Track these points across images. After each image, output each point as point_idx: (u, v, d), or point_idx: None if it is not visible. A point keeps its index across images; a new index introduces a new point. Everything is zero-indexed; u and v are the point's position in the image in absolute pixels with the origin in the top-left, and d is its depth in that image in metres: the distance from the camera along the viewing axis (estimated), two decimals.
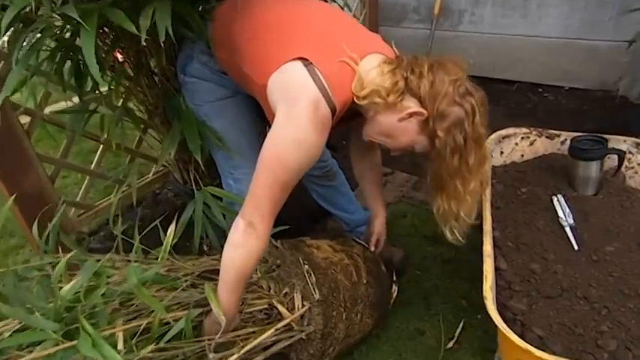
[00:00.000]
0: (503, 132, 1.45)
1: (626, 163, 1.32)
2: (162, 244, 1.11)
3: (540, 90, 2.77)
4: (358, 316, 1.25)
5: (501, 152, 1.45)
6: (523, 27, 2.64)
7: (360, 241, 1.48)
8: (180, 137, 1.23)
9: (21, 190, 1.37)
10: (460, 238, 1.03)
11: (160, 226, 1.17)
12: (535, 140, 1.45)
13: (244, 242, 0.92)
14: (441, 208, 0.98)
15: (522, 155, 1.45)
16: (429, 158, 0.94)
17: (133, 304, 0.92)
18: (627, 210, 1.14)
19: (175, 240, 1.19)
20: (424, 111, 0.88)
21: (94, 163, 1.66)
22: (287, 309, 1.13)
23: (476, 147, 0.91)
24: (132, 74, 1.27)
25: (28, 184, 1.41)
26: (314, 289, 1.16)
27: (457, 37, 2.89)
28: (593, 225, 1.12)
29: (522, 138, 1.46)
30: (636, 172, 1.33)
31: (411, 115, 0.89)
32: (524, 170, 1.36)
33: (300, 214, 1.94)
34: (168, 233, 1.09)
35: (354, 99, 0.92)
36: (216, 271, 0.97)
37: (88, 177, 1.65)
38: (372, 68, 0.92)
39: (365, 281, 1.31)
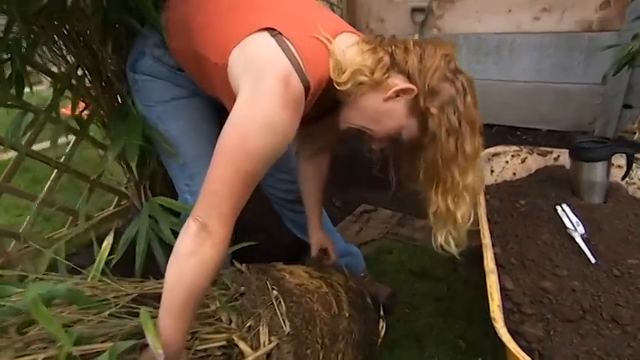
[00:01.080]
0: (492, 149, 1.31)
1: (626, 178, 1.17)
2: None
3: (519, 133, 2.72)
4: (339, 357, 0.99)
5: (492, 171, 1.30)
6: (497, 72, 2.64)
7: (341, 270, 1.26)
8: (118, 150, 1.03)
9: None
10: (455, 250, 0.84)
11: None
12: (526, 158, 1.31)
13: (196, 250, 0.69)
14: (438, 208, 0.82)
15: (514, 174, 1.30)
16: (422, 146, 0.78)
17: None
18: None
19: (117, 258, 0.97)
20: (413, 87, 0.73)
21: (44, 191, 1.44)
22: (250, 346, 0.88)
23: (471, 131, 0.77)
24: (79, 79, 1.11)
25: None
26: (284, 320, 0.92)
27: None
28: (609, 235, 0.94)
29: (513, 156, 1.31)
30: (639, 188, 1.18)
31: (398, 93, 0.74)
32: (520, 185, 1.20)
33: (274, 250, 1.71)
34: (102, 247, 0.86)
35: (335, 85, 0.77)
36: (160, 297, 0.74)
37: (35, 205, 1.42)
38: (347, 47, 0.77)
39: (347, 314, 1.07)
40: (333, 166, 2.43)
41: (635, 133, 1.82)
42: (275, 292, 0.95)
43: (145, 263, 1.05)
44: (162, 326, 0.70)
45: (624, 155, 1.09)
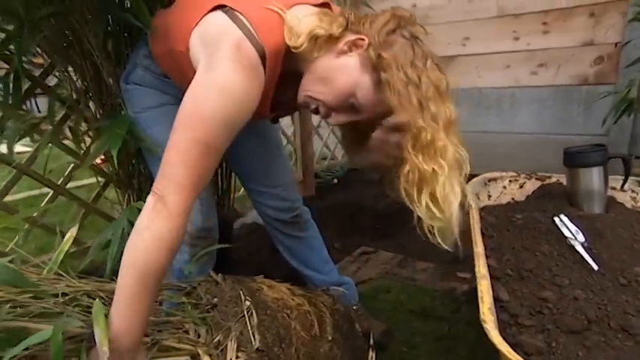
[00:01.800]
0: (487, 175, 1.27)
1: (632, 202, 1.10)
2: None
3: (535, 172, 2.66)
4: None
5: (489, 196, 1.25)
6: (499, 124, 2.66)
7: (331, 293, 1.16)
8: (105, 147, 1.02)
9: None
10: (440, 241, 0.76)
11: None
12: (525, 183, 1.26)
13: (151, 223, 0.65)
14: (410, 169, 0.72)
15: (513, 199, 1.24)
16: (382, 113, 0.74)
17: None
18: None
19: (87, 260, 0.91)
20: (364, 37, 0.73)
21: (36, 212, 1.42)
22: None
23: (437, 93, 0.72)
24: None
25: None
26: (253, 334, 0.82)
27: None
28: (612, 243, 0.86)
29: (510, 181, 1.26)
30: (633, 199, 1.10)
31: (350, 45, 0.74)
32: (517, 203, 1.13)
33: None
34: (65, 239, 0.80)
35: (293, 50, 0.75)
36: None
37: (26, 225, 1.40)
38: (304, 16, 0.77)
39: (330, 337, 0.96)
40: (336, 213, 2.42)
41: None
42: (248, 303, 0.86)
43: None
44: (114, 311, 0.64)
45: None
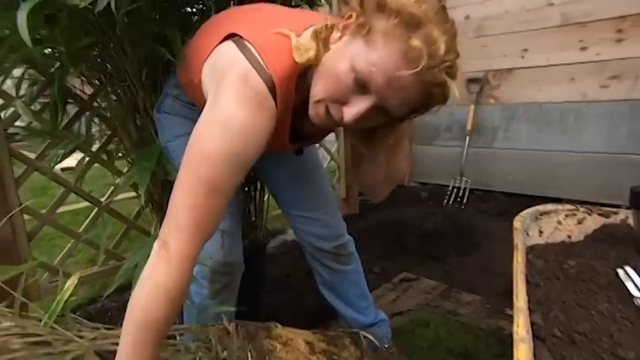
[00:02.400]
0: (540, 207, 1.11)
1: None
2: None
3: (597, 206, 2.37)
4: None
5: (540, 231, 1.08)
6: (562, 142, 2.40)
7: (360, 341, 1.07)
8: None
9: None
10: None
11: None
12: (585, 218, 1.08)
13: (152, 271, 0.63)
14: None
15: (569, 236, 1.07)
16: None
17: None
18: None
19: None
20: (351, 13, 0.65)
21: (83, 226, 1.48)
22: None
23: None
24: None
25: None
26: None
27: (492, 153, 2.69)
28: None
29: (567, 215, 1.09)
30: None
31: (342, 29, 0.67)
32: (572, 244, 0.97)
33: (298, 311, 1.56)
34: (64, 289, 0.77)
35: (302, 67, 0.70)
36: None
37: (72, 240, 1.46)
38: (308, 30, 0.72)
39: None
40: (380, 232, 2.31)
41: None
42: None
43: None
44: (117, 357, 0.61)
45: None
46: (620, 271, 0.79)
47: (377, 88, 0.63)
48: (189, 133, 1.01)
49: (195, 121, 0.99)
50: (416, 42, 0.59)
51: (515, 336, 0.67)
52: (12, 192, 1.27)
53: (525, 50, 2.44)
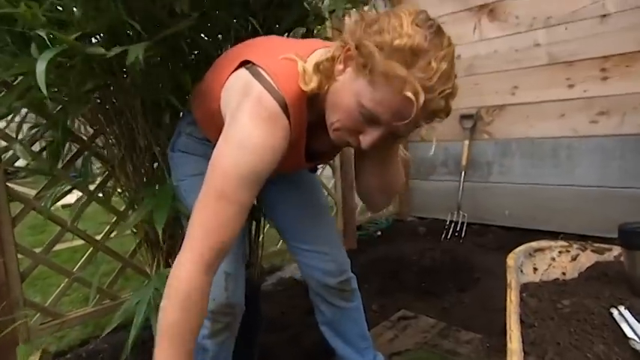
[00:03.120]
0: (534, 244, 1.10)
1: None
2: None
3: (590, 242, 2.35)
4: None
5: (534, 268, 1.08)
6: (556, 177, 2.42)
7: None
8: (144, 214, 1.03)
9: None
10: None
11: None
12: (579, 255, 1.07)
13: (171, 280, 0.69)
14: None
15: (564, 273, 1.06)
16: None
17: None
18: None
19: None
20: (349, 45, 0.69)
21: (78, 265, 1.47)
22: None
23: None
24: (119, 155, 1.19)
25: None
26: None
27: (487, 188, 2.70)
28: None
29: (561, 252, 1.09)
30: None
31: (343, 61, 0.71)
32: (566, 282, 0.96)
33: (295, 349, 1.52)
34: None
35: (310, 93, 0.74)
36: None
37: (65, 280, 1.45)
38: (312, 57, 0.77)
39: None
40: (378, 268, 2.28)
41: None
42: None
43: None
44: None
45: None
46: (615, 312, 0.77)
47: (386, 122, 0.68)
48: (203, 173, 1.05)
49: (209, 158, 1.04)
50: (414, 78, 0.62)
51: None
52: (7, 231, 1.27)
53: (515, 87, 2.50)
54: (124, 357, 0.98)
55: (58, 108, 1.11)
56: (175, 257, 0.70)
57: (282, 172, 0.86)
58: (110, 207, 1.47)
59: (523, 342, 0.76)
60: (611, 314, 0.78)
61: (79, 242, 1.51)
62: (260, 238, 1.49)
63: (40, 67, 0.67)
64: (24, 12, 0.71)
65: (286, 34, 1.30)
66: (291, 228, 1.18)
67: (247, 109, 0.70)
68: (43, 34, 0.70)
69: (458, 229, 2.64)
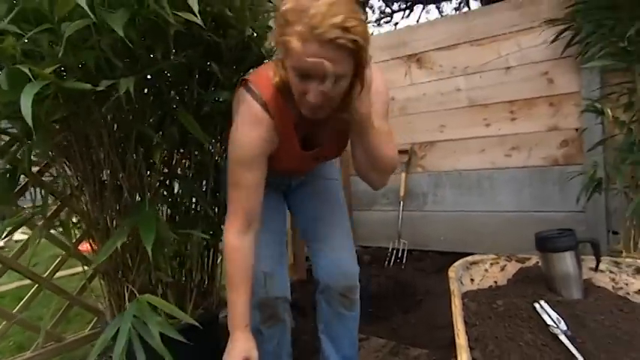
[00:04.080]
0: (469, 258, 1.26)
1: (612, 283, 1.09)
2: None
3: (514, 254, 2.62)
4: None
5: (472, 279, 1.22)
6: (481, 204, 2.70)
7: None
8: (124, 239, 1.02)
9: None
10: None
11: None
12: (506, 265, 1.24)
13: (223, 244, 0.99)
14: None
15: (496, 282, 1.22)
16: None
17: None
18: (630, 313, 0.86)
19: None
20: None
21: (18, 307, 1.36)
22: None
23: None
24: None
25: None
26: None
27: (424, 216, 2.92)
28: (595, 331, 0.82)
29: (492, 264, 1.25)
30: (628, 293, 1.08)
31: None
32: (499, 287, 1.11)
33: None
34: None
35: (282, 87, 0.91)
36: None
37: (4, 322, 1.33)
38: None
39: None
40: None
41: (621, 252, 1.75)
42: None
43: None
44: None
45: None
46: (537, 305, 0.92)
47: (309, 71, 0.80)
48: None
49: None
50: (297, 27, 0.76)
51: None
52: None
53: (443, 126, 2.80)
54: None
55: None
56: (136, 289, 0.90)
57: (294, 169, 1.15)
58: (58, 242, 1.41)
59: (468, 339, 0.87)
60: (534, 308, 0.93)
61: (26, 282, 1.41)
62: (217, 266, 1.49)
63: (26, 101, 0.69)
64: (5, 46, 0.74)
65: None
66: (309, 230, 1.29)
67: (239, 117, 0.96)
68: (25, 69, 0.72)
69: (399, 255, 2.80)
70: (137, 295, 1.06)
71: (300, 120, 0.95)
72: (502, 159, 2.62)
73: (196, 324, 1.09)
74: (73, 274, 2.05)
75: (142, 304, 0.97)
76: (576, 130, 2.32)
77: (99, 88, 0.78)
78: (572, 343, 0.80)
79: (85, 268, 1.45)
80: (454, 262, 1.22)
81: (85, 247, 1.40)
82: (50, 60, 0.85)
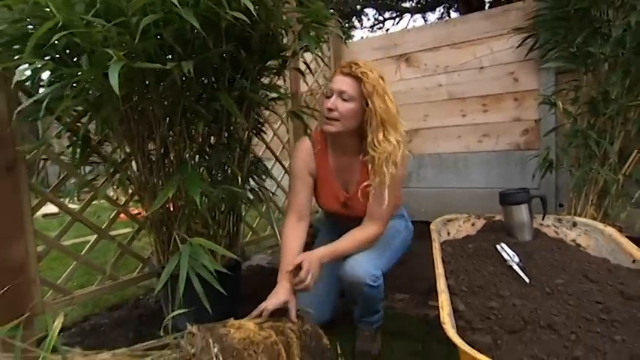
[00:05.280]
0: (446, 216, 1.38)
1: (554, 234, 1.22)
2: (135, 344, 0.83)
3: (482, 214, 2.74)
4: None
5: (448, 233, 1.35)
6: (457, 182, 2.81)
7: (300, 314, 1.08)
8: (174, 190, 1.09)
9: (3, 258, 1.18)
10: None
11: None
12: (475, 222, 1.36)
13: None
14: None
15: (468, 235, 1.34)
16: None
17: None
18: (564, 250, 0.99)
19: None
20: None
21: (84, 250, 1.47)
22: None
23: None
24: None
25: (13, 254, 1.22)
26: None
27: (409, 192, 3.02)
28: (539, 262, 0.95)
29: (464, 221, 1.37)
30: (564, 240, 1.20)
31: None
32: (470, 237, 1.23)
33: None
34: (54, 326, 0.75)
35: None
36: None
37: (74, 262, 1.44)
38: None
39: (298, 358, 0.92)
40: None
41: None
42: (216, 350, 0.82)
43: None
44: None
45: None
46: (498, 247, 1.04)
47: (331, 89, 1.14)
48: None
49: None
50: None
51: (438, 290, 0.87)
52: (27, 219, 1.26)
53: (426, 116, 2.89)
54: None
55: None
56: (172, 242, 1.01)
57: (337, 212, 1.30)
58: (111, 200, 1.51)
59: (445, 271, 0.99)
60: (496, 248, 1.05)
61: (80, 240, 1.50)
62: (241, 224, 1.60)
63: (114, 75, 0.78)
64: (96, 32, 0.82)
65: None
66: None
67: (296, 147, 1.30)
68: (111, 51, 0.81)
69: None
70: (181, 242, 1.13)
71: (334, 160, 1.26)
72: (475, 144, 2.72)
73: (230, 268, 1.17)
74: (119, 234, 2.16)
75: (194, 246, 1.06)
76: (535, 121, 2.43)
77: (167, 67, 0.86)
78: (522, 270, 0.92)
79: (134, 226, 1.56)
80: None
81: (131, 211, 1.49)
82: (120, 47, 0.93)
